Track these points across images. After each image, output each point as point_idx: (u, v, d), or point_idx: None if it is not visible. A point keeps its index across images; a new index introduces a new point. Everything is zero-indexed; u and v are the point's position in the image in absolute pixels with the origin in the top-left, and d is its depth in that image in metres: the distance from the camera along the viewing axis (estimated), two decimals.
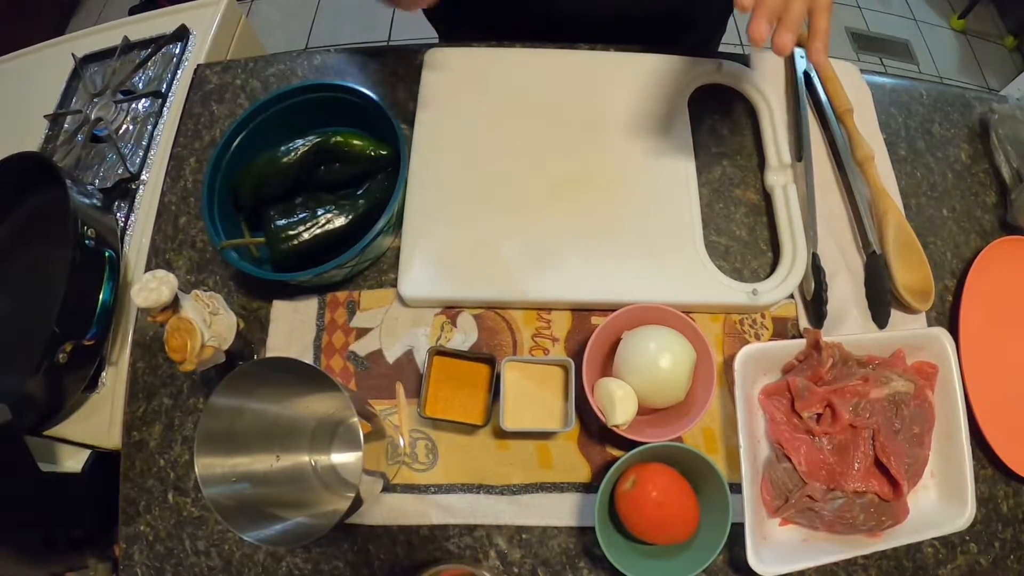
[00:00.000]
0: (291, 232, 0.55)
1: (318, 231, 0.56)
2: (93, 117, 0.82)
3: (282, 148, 0.58)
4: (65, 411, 0.65)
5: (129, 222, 0.74)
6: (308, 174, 0.59)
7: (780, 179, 0.62)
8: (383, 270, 0.60)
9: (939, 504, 0.53)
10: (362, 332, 0.57)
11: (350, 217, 0.56)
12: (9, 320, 0.64)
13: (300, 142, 0.58)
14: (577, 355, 0.54)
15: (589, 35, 0.69)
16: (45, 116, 0.84)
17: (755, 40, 0.45)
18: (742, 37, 2.12)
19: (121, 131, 0.81)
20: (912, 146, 0.69)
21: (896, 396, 0.52)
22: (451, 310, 0.58)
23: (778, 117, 0.65)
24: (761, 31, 0.45)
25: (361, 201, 0.58)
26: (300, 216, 0.56)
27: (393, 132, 0.57)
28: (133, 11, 1.78)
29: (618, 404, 0.49)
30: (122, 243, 0.71)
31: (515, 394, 0.53)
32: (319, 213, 0.56)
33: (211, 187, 0.57)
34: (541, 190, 0.61)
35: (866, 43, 2.17)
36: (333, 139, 0.58)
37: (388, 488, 0.53)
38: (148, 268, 0.62)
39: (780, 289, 0.57)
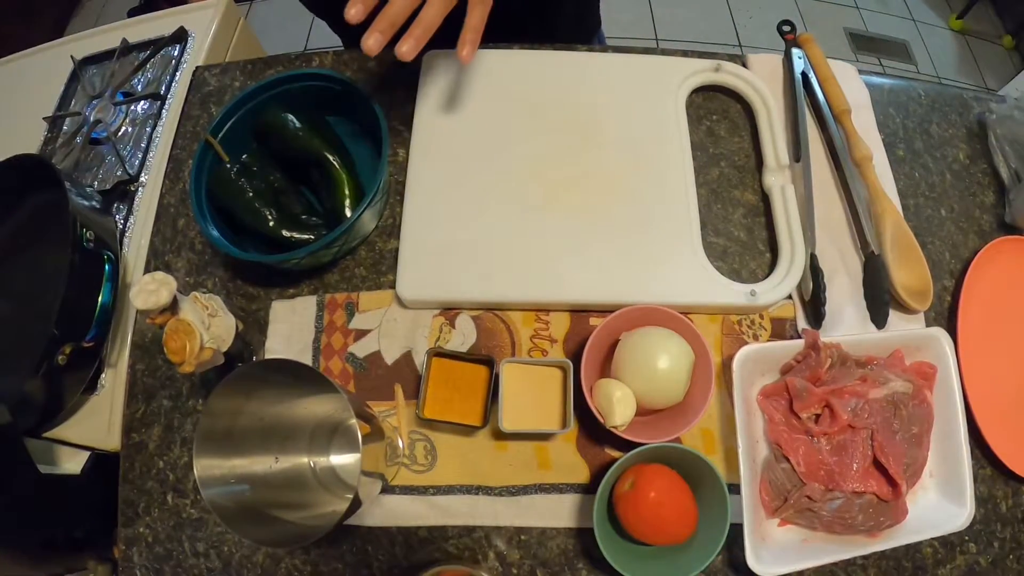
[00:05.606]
0: (243, 184, 0.57)
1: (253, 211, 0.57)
2: (92, 119, 0.82)
3: (300, 123, 0.59)
4: (64, 413, 0.65)
5: (128, 224, 0.74)
6: (303, 166, 0.60)
7: (778, 180, 0.63)
8: (382, 272, 0.60)
9: (938, 504, 0.53)
10: (361, 334, 0.57)
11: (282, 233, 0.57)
12: (8, 322, 0.64)
13: (312, 134, 0.59)
14: (575, 356, 0.54)
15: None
16: (44, 118, 0.84)
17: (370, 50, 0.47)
18: (740, 38, 2.12)
19: (120, 133, 0.81)
20: (910, 146, 0.69)
21: (895, 396, 0.53)
22: (449, 311, 0.58)
23: (776, 118, 0.65)
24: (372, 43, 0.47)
25: (310, 236, 0.57)
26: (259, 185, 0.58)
27: (374, 115, 0.57)
28: (132, 13, 1.79)
29: (616, 405, 0.49)
30: (121, 245, 0.71)
31: (514, 395, 0.53)
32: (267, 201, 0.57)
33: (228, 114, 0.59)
34: (539, 191, 0.61)
35: (864, 43, 2.17)
36: (330, 163, 0.58)
37: (387, 489, 0.53)
38: (147, 270, 0.62)
39: (778, 290, 0.57)
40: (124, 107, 0.83)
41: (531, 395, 0.53)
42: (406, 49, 0.49)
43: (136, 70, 0.85)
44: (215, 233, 0.55)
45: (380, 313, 0.58)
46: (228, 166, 0.57)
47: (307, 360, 0.57)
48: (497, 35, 0.64)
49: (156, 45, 0.87)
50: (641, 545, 0.50)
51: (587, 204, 0.60)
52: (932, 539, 0.54)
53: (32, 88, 0.89)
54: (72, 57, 0.88)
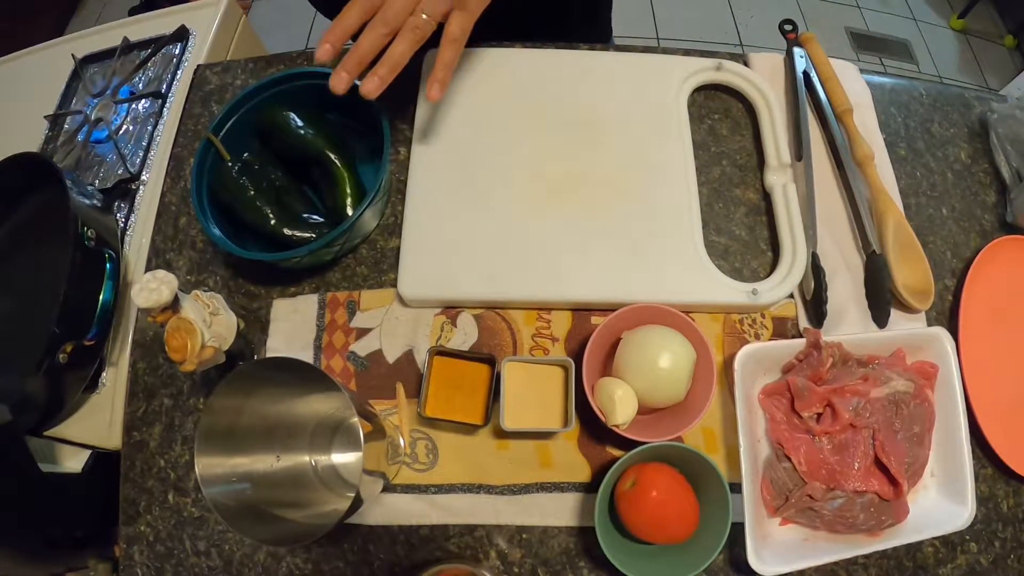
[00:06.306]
0: (243, 183, 0.57)
1: (255, 209, 0.57)
2: (93, 118, 0.82)
3: (301, 122, 0.59)
4: (65, 411, 0.65)
5: (129, 222, 0.74)
6: (304, 164, 0.60)
7: (780, 179, 0.63)
8: (383, 270, 0.60)
9: (939, 503, 0.53)
10: (362, 332, 0.57)
11: (284, 231, 0.56)
12: (9, 320, 0.64)
13: (314, 132, 0.59)
14: (577, 355, 0.54)
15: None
16: (45, 117, 0.84)
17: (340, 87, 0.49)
18: (742, 37, 2.12)
19: (121, 131, 0.81)
20: (912, 146, 0.69)
21: (896, 396, 0.53)
22: (451, 310, 0.58)
23: (777, 116, 0.65)
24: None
25: (311, 235, 0.57)
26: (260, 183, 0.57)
27: (376, 113, 0.57)
28: (133, 12, 1.79)
29: (618, 404, 0.49)
30: (122, 243, 0.71)
31: (515, 394, 0.53)
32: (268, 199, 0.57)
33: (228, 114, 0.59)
34: (541, 190, 0.61)
35: (866, 43, 2.17)
36: (331, 162, 0.58)
37: (388, 488, 0.53)
38: (148, 268, 0.62)
39: (780, 289, 0.57)
40: (125, 105, 0.83)
41: (533, 394, 0.53)
42: (370, 87, 0.49)
43: (137, 68, 0.85)
44: (216, 231, 0.55)
45: (382, 312, 0.58)
46: (229, 164, 0.57)
47: (308, 358, 0.57)
48: (503, 38, 0.64)
49: (157, 43, 0.87)
50: (643, 544, 0.50)
51: (588, 203, 0.60)
52: (933, 538, 0.54)
53: (33, 87, 0.89)
54: (73, 56, 0.88)
